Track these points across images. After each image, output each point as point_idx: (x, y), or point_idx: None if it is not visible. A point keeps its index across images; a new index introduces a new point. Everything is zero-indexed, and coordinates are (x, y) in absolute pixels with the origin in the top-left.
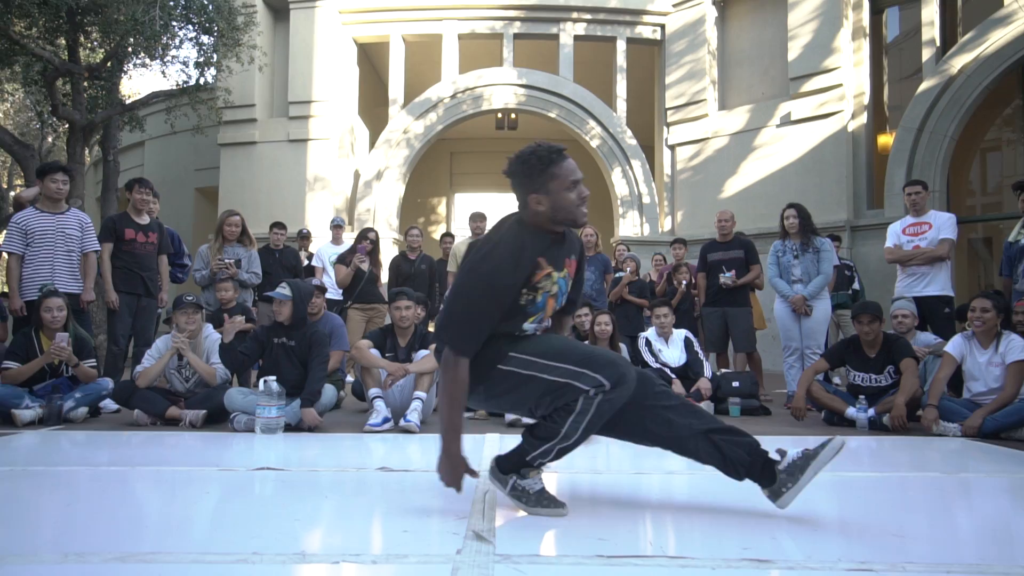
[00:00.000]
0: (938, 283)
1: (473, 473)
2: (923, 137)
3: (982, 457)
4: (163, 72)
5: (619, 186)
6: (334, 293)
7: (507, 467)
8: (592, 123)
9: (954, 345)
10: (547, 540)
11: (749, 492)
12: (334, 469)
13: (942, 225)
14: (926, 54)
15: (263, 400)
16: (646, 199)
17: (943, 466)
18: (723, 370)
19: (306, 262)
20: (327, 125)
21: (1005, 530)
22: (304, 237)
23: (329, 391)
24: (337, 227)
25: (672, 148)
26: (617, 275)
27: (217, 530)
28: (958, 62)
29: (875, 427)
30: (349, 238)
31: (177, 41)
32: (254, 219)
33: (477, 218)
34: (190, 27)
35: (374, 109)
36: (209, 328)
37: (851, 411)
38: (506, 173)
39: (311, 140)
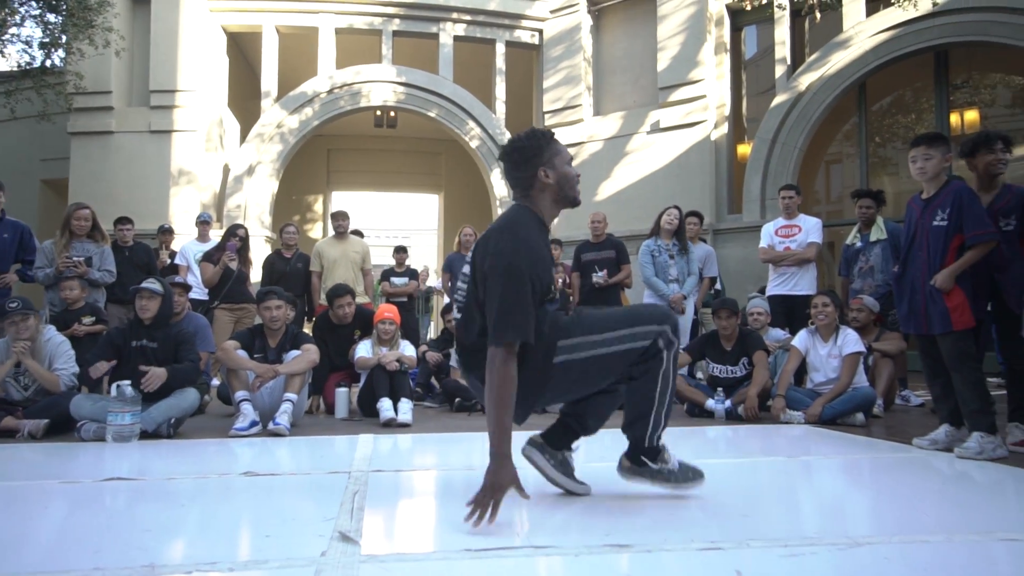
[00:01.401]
0: (805, 283)
1: (523, 492)
2: (776, 148)
3: (821, 441)
4: (1, 51)
5: (498, 187)
6: (199, 292)
7: (638, 460)
8: (472, 124)
9: (799, 339)
10: (416, 537)
11: (618, 482)
12: (194, 476)
13: (810, 229)
14: (779, 71)
15: (115, 406)
16: None
17: (788, 451)
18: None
19: (168, 260)
20: (193, 116)
21: (839, 506)
22: (165, 232)
23: (191, 395)
24: (204, 223)
25: None
26: None
27: (55, 548)
28: (805, 80)
29: (731, 417)
30: (217, 235)
31: (18, 18)
32: (110, 214)
33: (340, 217)
34: (33, 3)
35: (245, 102)
36: (51, 330)
37: (710, 403)
38: (506, 152)
39: (176, 132)
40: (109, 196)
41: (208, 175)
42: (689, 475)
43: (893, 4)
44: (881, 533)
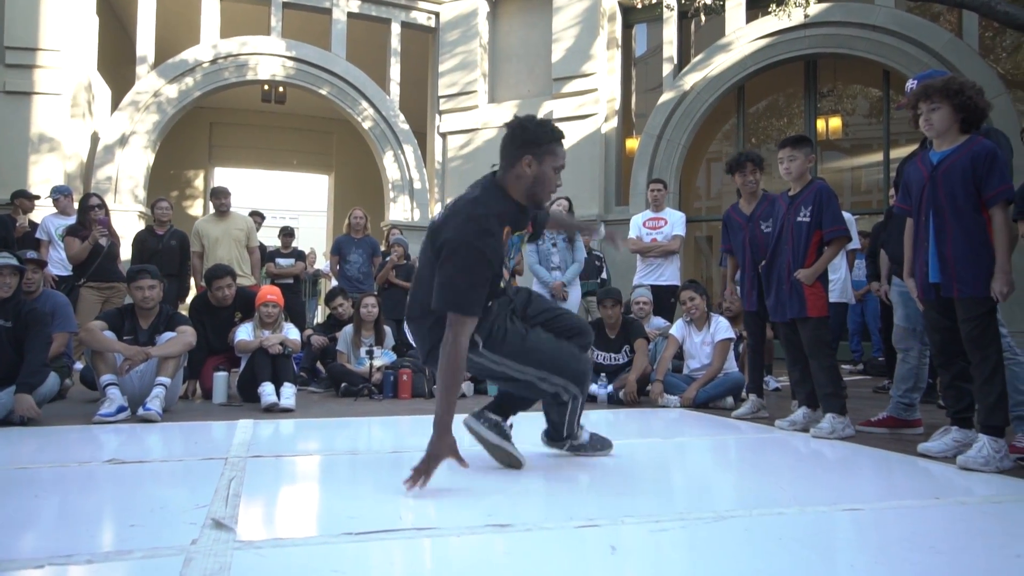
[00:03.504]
0: (669, 274)
1: (462, 461)
2: (662, 144)
3: (694, 424)
4: None
5: (391, 170)
6: (61, 269)
7: (556, 438)
8: (365, 104)
9: (676, 328)
10: (294, 523)
11: (499, 467)
12: (51, 465)
13: (675, 222)
14: (666, 69)
15: None
16: (417, 184)
17: (663, 433)
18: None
19: (28, 227)
20: (57, 79)
21: (707, 484)
22: (27, 198)
23: (50, 379)
24: (64, 196)
25: (444, 136)
26: (386, 259)
27: None
28: (690, 79)
29: (612, 401)
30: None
31: None
32: None
33: (221, 194)
34: None
35: (118, 67)
36: None
37: (593, 388)
38: (511, 125)
39: (37, 94)
40: None
41: (74, 143)
42: (598, 445)
43: (770, 12)
44: (743, 507)
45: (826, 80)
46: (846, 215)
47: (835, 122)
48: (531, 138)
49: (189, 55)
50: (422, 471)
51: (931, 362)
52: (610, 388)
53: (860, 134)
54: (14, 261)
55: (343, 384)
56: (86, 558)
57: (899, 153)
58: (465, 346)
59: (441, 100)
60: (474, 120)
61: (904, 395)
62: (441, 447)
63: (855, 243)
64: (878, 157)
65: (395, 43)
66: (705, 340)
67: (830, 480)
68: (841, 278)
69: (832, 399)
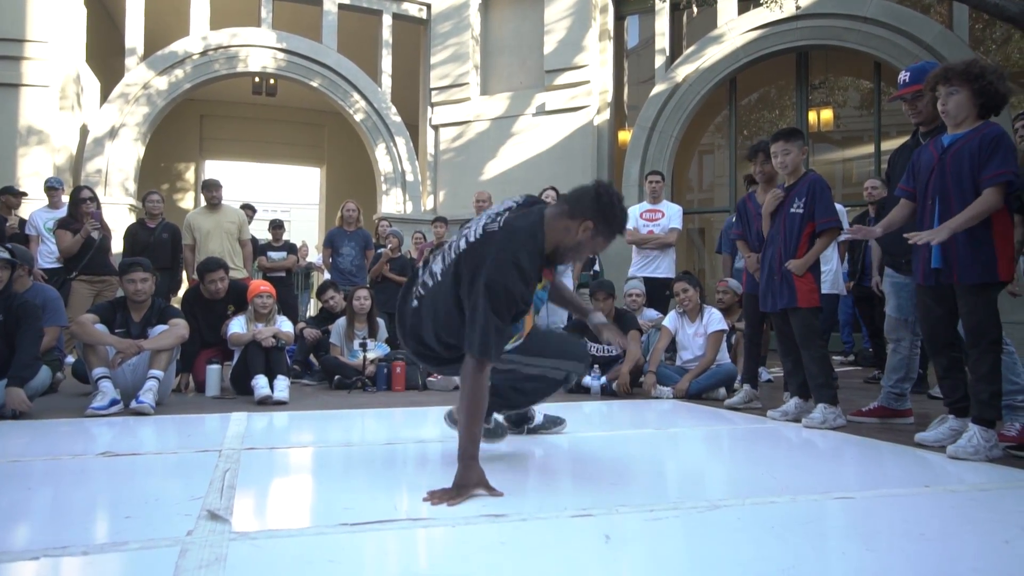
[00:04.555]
0: (664, 267)
1: (493, 491)
2: (654, 136)
3: (687, 414)
4: None
5: (383, 162)
6: (52, 263)
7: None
8: (356, 96)
9: (669, 320)
10: (289, 514)
11: (502, 459)
12: (44, 457)
13: (673, 215)
14: (658, 61)
15: None
16: (409, 177)
17: (657, 423)
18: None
19: (17, 227)
20: (45, 71)
21: (700, 473)
22: (14, 194)
23: (42, 372)
24: (53, 189)
25: (436, 128)
26: (378, 251)
27: None
28: (682, 71)
29: (606, 393)
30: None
31: None
32: None
33: (212, 186)
34: None
35: (107, 59)
36: None
37: (586, 379)
38: (601, 189)
39: (24, 86)
40: None
41: (63, 135)
42: (550, 424)
43: (761, 4)
44: (736, 496)
45: (817, 72)
46: (838, 206)
47: (826, 114)
48: (607, 215)
49: (179, 47)
50: (447, 498)
51: (922, 352)
52: (603, 379)
53: (851, 126)
54: (5, 255)
55: (336, 377)
56: (82, 550)
57: (890, 145)
58: (486, 381)
59: (433, 92)
60: (466, 112)
61: (895, 385)
62: (469, 478)
63: (847, 234)
64: (869, 149)
65: (386, 35)
66: (698, 332)
67: (821, 469)
68: (832, 269)
69: (823, 389)
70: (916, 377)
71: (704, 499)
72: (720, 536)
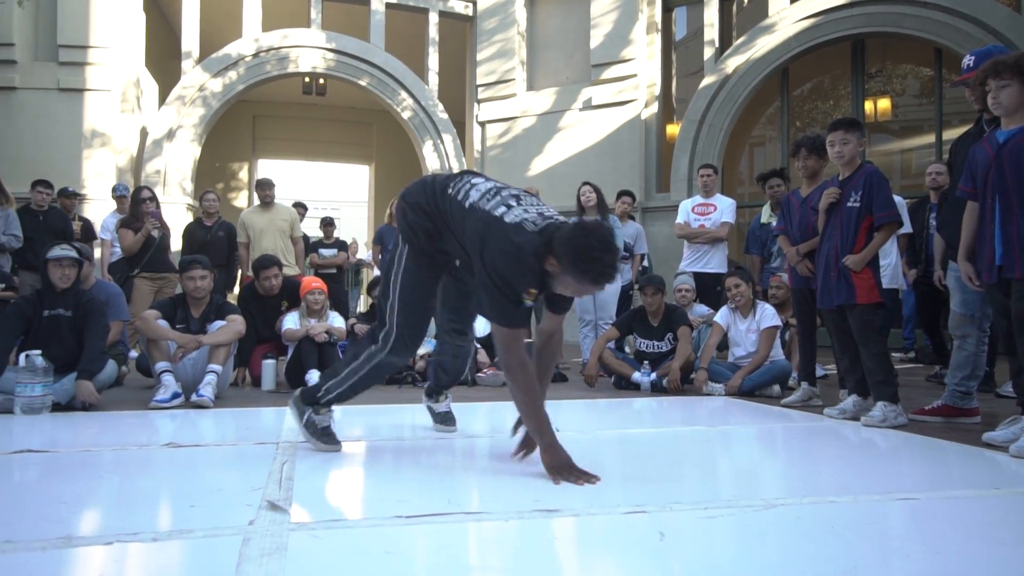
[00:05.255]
0: (716, 261)
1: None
2: (703, 129)
3: (739, 412)
4: None
5: (430, 159)
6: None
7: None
8: (404, 94)
9: (721, 315)
10: (346, 505)
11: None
12: (112, 448)
13: (725, 209)
14: (707, 53)
15: (24, 377)
16: None
17: (709, 421)
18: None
19: (78, 230)
20: (108, 75)
21: (755, 472)
22: (68, 196)
23: (108, 366)
24: (122, 197)
25: (482, 125)
26: None
27: None
28: (732, 63)
29: (656, 389)
30: None
31: None
32: (14, 175)
33: (265, 185)
34: None
35: (164, 62)
36: None
37: (636, 375)
38: (565, 236)
39: (88, 91)
40: (12, 157)
41: (124, 138)
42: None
43: None
44: (793, 495)
45: (874, 60)
46: (897, 199)
47: (884, 103)
48: (574, 261)
49: (232, 49)
50: (573, 478)
51: (990, 349)
52: (653, 376)
53: (910, 115)
54: (73, 253)
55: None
56: (151, 536)
57: (951, 134)
58: (522, 358)
59: (479, 89)
60: (513, 108)
61: (960, 383)
62: (558, 457)
63: (907, 227)
64: (929, 139)
65: (433, 32)
66: (751, 327)
67: (883, 469)
68: (892, 263)
69: (883, 386)
70: (983, 375)
71: (760, 498)
72: (778, 536)
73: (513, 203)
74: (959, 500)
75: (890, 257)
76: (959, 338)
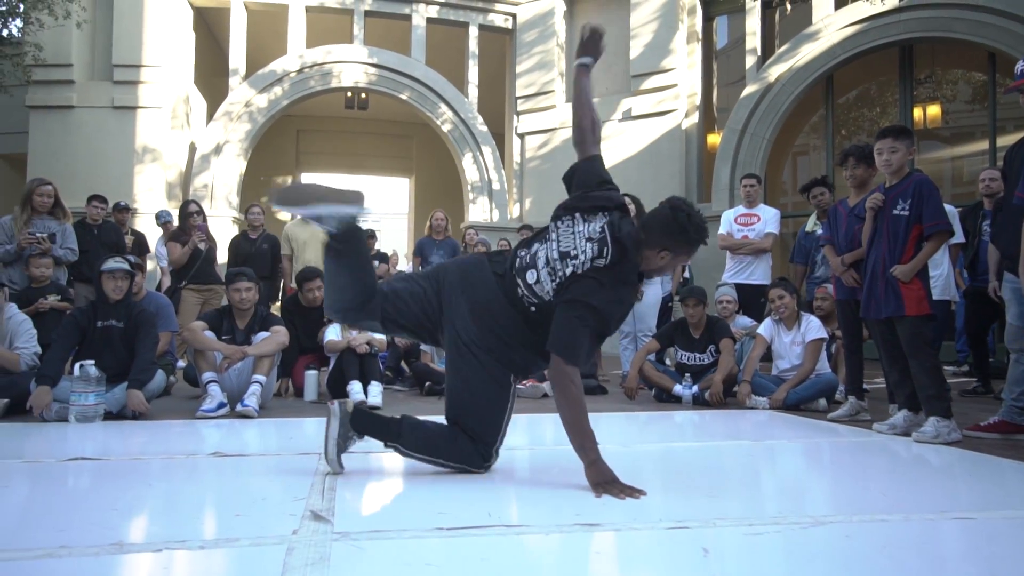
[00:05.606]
0: (759, 273)
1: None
2: (745, 138)
3: (784, 426)
4: None
5: (470, 171)
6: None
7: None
8: (444, 107)
9: (764, 327)
10: (387, 516)
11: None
12: (161, 456)
13: (769, 220)
14: (749, 62)
15: (78, 386)
16: (496, 185)
17: (752, 435)
18: None
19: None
20: (159, 92)
21: (801, 488)
22: (121, 210)
23: (158, 376)
24: (166, 223)
25: (522, 136)
26: None
27: (18, 527)
28: (775, 71)
29: (698, 402)
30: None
31: None
32: (70, 191)
33: None
34: None
35: (212, 79)
36: (13, 308)
37: (677, 388)
38: (675, 208)
39: (140, 108)
40: (69, 172)
41: (174, 153)
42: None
43: None
44: (841, 513)
45: (923, 66)
46: (948, 208)
47: (933, 110)
48: (679, 239)
49: (277, 65)
50: (620, 494)
51: None
52: (695, 389)
53: (961, 122)
54: (126, 265)
55: (427, 383)
56: (198, 544)
57: (1006, 140)
58: (576, 374)
59: (519, 101)
60: (552, 120)
61: (1018, 398)
62: (602, 474)
63: (959, 237)
64: (982, 145)
65: (473, 46)
66: (795, 340)
67: (936, 487)
68: (943, 274)
69: (935, 401)
70: None
71: (807, 515)
72: (827, 554)
73: (546, 266)
74: (1018, 521)
75: (941, 268)
76: (1016, 352)
